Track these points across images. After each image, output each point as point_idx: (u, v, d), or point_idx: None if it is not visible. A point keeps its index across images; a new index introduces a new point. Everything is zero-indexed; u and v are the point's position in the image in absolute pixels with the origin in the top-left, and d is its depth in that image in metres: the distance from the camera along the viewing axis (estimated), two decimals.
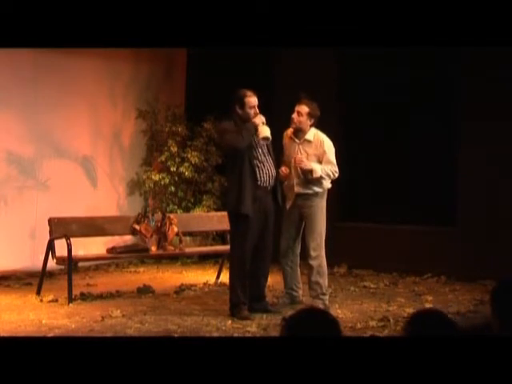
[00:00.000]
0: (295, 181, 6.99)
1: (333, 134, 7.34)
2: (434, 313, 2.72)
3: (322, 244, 6.98)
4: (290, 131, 7.12)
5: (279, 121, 7.48)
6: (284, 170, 6.90)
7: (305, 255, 7.08)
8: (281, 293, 7.41)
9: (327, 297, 7.07)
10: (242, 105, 6.65)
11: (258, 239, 6.70)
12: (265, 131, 6.62)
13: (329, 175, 6.97)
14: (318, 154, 6.99)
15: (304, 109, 6.98)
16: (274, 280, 7.18)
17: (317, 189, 7.00)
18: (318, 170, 6.92)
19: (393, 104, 9.42)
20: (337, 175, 7.02)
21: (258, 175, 6.65)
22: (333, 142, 7.10)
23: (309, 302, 6.90)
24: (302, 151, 6.99)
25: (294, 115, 7.01)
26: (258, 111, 6.67)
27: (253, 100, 6.67)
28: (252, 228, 6.62)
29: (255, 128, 6.60)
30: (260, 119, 6.63)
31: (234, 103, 6.69)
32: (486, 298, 6.95)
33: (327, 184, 7.05)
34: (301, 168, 6.92)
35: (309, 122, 7.01)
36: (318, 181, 6.96)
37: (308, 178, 6.96)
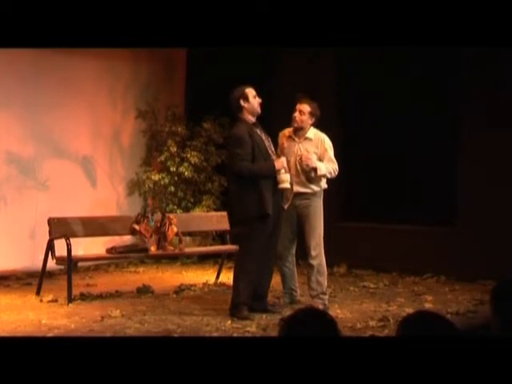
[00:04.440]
0: (294, 180, 6.97)
1: (332, 134, 7.34)
2: (426, 315, 2.70)
3: (321, 243, 6.98)
4: (287, 131, 7.13)
5: (279, 121, 7.49)
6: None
7: (301, 255, 7.06)
8: (281, 293, 7.41)
9: (327, 296, 7.07)
10: (246, 97, 6.67)
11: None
12: (285, 182, 6.62)
13: (330, 173, 6.99)
14: (319, 152, 7.00)
15: (306, 108, 6.99)
16: (273, 280, 7.17)
17: (315, 188, 7.00)
18: (323, 168, 6.93)
19: (392, 103, 9.41)
20: (337, 173, 7.04)
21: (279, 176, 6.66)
22: (332, 142, 7.12)
23: (308, 302, 6.90)
24: (303, 150, 6.99)
25: (296, 114, 7.01)
26: (260, 100, 6.69)
27: (253, 90, 6.74)
28: (267, 229, 6.59)
29: (274, 170, 6.60)
30: (282, 163, 6.63)
31: (238, 100, 6.68)
32: (485, 298, 6.94)
33: (324, 184, 7.07)
34: (307, 165, 6.91)
35: (310, 121, 7.03)
36: (318, 180, 6.97)
37: (310, 177, 6.96)
